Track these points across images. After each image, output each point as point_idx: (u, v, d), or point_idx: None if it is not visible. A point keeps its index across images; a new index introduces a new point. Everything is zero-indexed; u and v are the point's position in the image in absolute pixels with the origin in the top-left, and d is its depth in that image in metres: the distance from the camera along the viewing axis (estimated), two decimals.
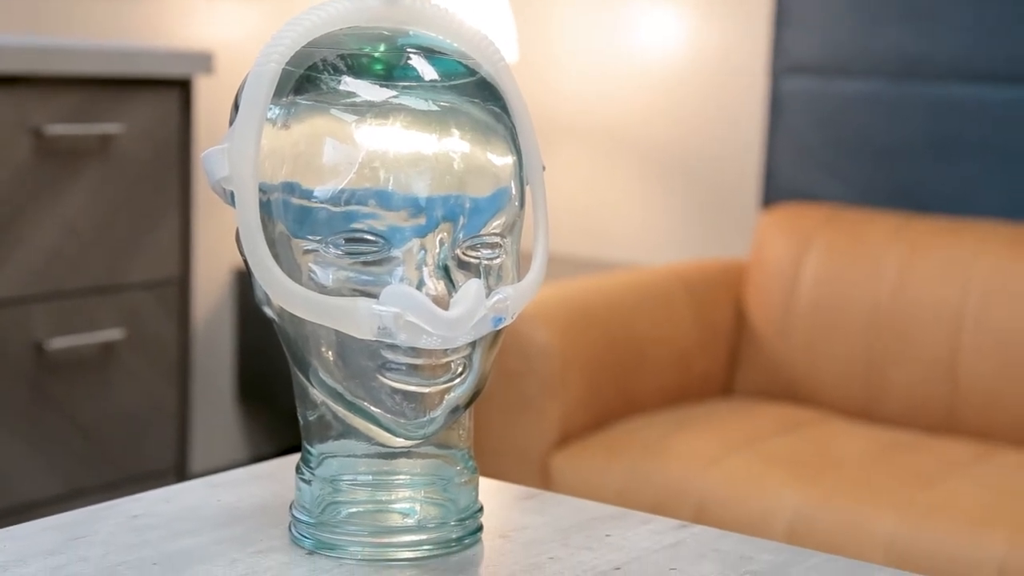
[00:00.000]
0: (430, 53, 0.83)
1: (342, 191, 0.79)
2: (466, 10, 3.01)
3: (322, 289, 0.80)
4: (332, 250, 0.79)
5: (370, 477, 0.86)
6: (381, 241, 0.79)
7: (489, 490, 0.97)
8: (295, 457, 0.91)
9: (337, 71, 0.81)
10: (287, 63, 0.82)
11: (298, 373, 0.85)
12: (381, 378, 0.80)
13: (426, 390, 0.80)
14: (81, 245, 2.42)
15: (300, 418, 0.87)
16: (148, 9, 3.02)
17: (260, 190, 0.82)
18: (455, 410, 0.83)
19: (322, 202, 0.79)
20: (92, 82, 2.40)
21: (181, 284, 2.58)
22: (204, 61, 2.55)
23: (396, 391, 0.80)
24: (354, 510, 0.86)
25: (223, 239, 3.08)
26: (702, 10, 3.12)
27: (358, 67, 0.81)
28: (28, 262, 2.34)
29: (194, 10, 3.11)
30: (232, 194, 0.81)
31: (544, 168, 0.87)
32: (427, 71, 0.81)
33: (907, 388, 2.61)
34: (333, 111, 0.80)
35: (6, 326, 2.33)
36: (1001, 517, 2.11)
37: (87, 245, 2.43)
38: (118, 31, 2.96)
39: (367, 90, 0.80)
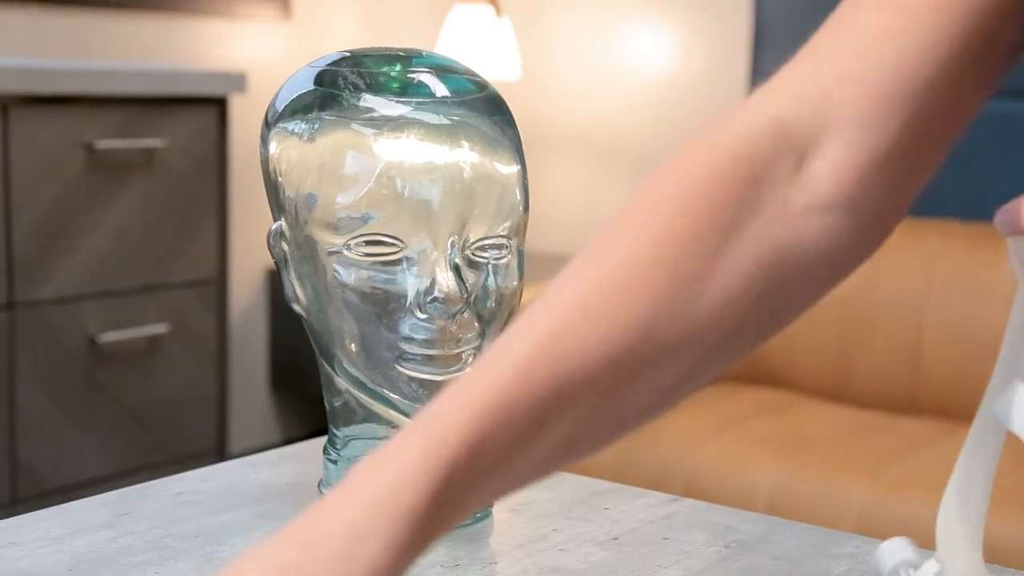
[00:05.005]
0: (442, 72, 0.82)
1: (362, 198, 0.79)
2: (473, 34, 3.01)
3: (344, 287, 0.80)
4: (353, 251, 0.79)
5: None
6: (398, 243, 0.79)
7: None
8: (323, 439, 0.91)
9: (357, 89, 0.81)
10: (313, 82, 0.82)
11: (324, 363, 0.85)
12: (399, 368, 0.80)
13: (440, 378, 0.80)
14: (129, 248, 2.42)
15: (326, 404, 0.87)
16: (187, 35, 3.02)
17: (288, 197, 0.81)
18: None
19: (344, 208, 0.79)
20: (137, 101, 2.40)
21: (219, 283, 2.58)
22: (238, 81, 2.55)
23: (413, 379, 0.80)
24: None
25: (257, 242, 3.08)
26: (688, 32, 3.11)
27: (376, 85, 0.81)
28: (81, 264, 2.34)
29: (228, 35, 3.11)
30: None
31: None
32: (439, 88, 0.81)
33: (874, 373, 2.60)
34: (354, 125, 0.80)
35: (63, 322, 2.33)
36: None
37: (134, 248, 2.43)
38: (161, 55, 2.96)
39: (384, 106, 0.80)
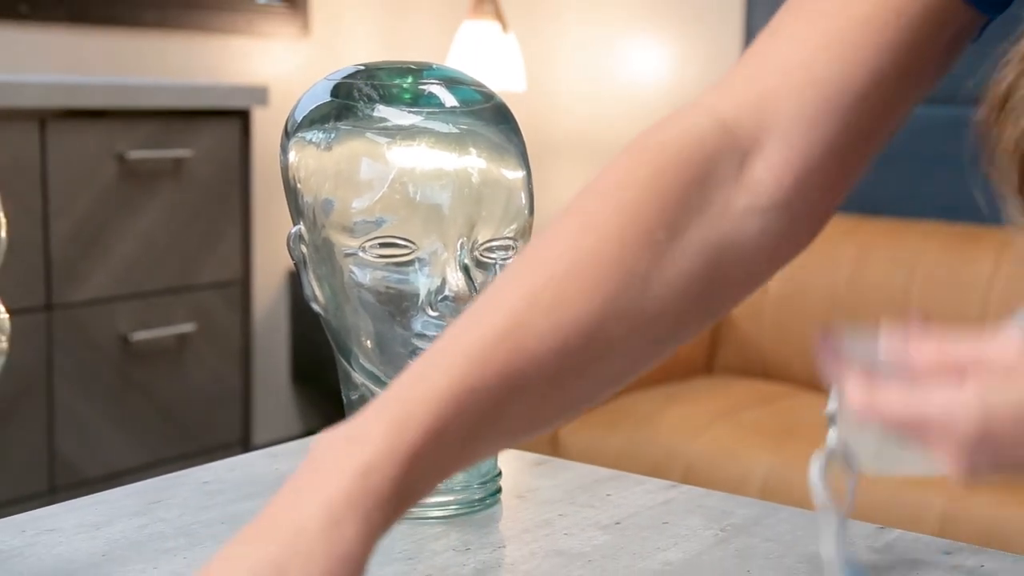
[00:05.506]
0: (451, 83, 0.82)
1: (376, 203, 0.78)
2: (481, 48, 3.01)
3: (360, 287, 0.80)
4: (368, 253, 0.79)
5: None
6: (410, 245, 0.79)
7: (506, 457, 0.96)
8: None
9: (371, 100, 0.80)
10: (330, 94, 0.82)
11: (342, 359, 0.85)
12: (412, 363, 0.80)
13: None
14: (158, 253, 2.42)
15: (344, 398, 0.87)
16: (212, 52, 3.02)
17: (307, 203, 0.81)
18: None
19: (359, 212, 0.79)
20: (166, 114, 2.40)
21: (243, 284, 2.58)
22: (260, 94, 2.55)
23: None
24: None
25: (278, 245, 3.08)
26: (682, 44, 3.11)
27: (389, 96, 0.80)
28: (114, 268, 2.35)
29: (251, 52, 3.11)
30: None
31: None
32: (448, 99, 0.81)
33: None
34: (368, 134, 0.79)
35: (96, 322, 2.33)
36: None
37: (163, 252, 2.43)
38: (188, 71, 2.96)
39: (397, 116, 0.79)
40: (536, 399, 0.54)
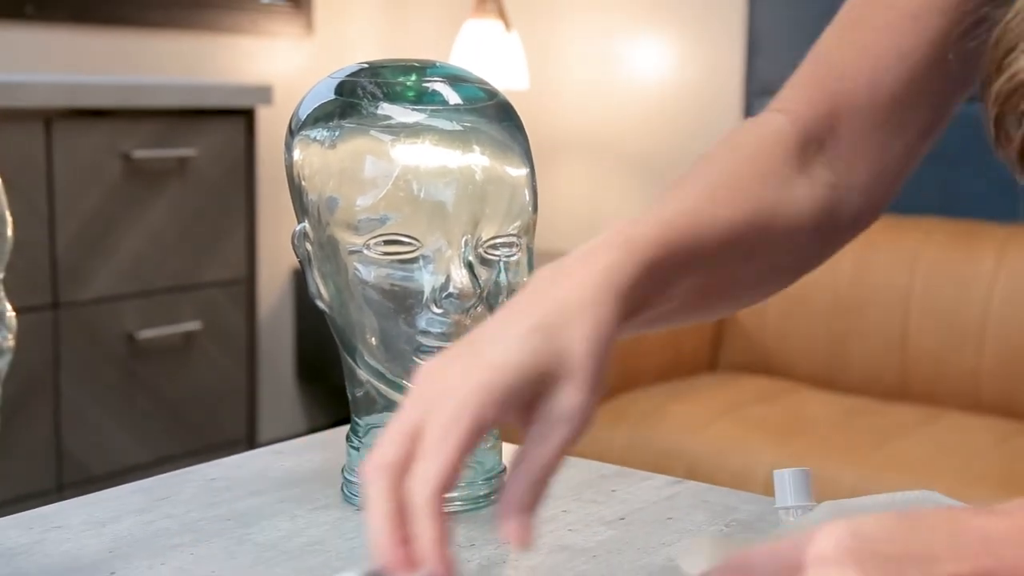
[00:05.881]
0: (454, 81, 0.82)
1: (381, 200, 0.78)
2: (484, 47, 3.01)
3: (364, 284, 0.80)
4: (372, 251, 0.79)
5: None
6: (414, 242, 0.79)
7: (511, 453, 0.96)
8: (346, 428, 0.91)
9: (375, 98, 0.80)
10: (334, 92, 0.82)
11: (347, 356, 0.85)
12: (417, 359, 0.80)
13: None
14: (164, 251, 2.42)
15: (349, 394, 0.87)
16: (217, 51, 3.02)
17: (311, 201, 0.81)
18: None
19: (364, 210, 0.79)
20: (171, 113, 2.40)
21: (248, 282, 2.58)
22: (264, 94, 2.55)
23: None
24: None
25: (283, 243, 3.09)
26: (686, 42, 3.10)
27: (393, 94, 0.80)
28: (120, 266, 2.35)
29: (255, 51, 3.11)
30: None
31: None
32: (452, 97, 0.81)
33: (864, 361, 2.59)
34: (372, 132, 0.79)
35: (103, 320, 2.33)
36: (945, 469, 2.10)
37: (169, 251, 2.43)
38: (192, 70, 2.96)
39: (401, 114, 0.79)
40: (707, 275, 0.65)
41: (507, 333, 0.55)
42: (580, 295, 0.56)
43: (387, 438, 0.53)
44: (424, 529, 0.50)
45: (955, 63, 0.70)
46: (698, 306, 0.67)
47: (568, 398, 0.53)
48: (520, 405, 0.54)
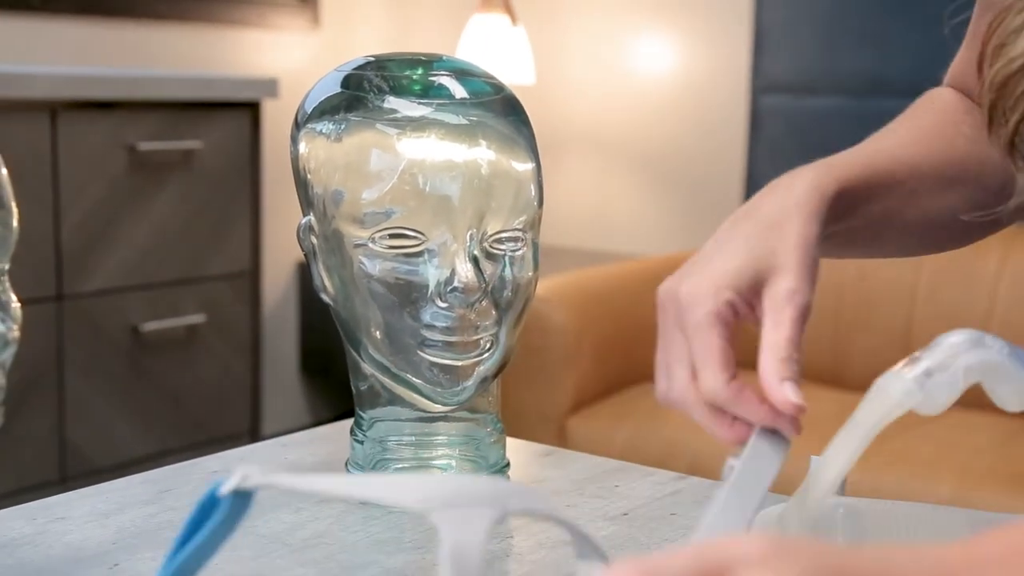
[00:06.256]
0: (461, 75, 0.82)
1: (386, 194, 0.78)
2: (490, 41, 3.00)
3: (369, 277, 0.79)
4: (378, 244, 0.79)
5: (413, 438, 0.85)
6: (420, 236, 0.78)
7: (514, 448, 0.96)
8: (349, 421, 0.91)
9: (381, 91, 0.80)
10: (340, 85, 0.81)
11: (351, 350, 0.84)
12: (421, 353, 0.80)
13: (459, 363, 0.80)
14: (168, 244, 2.42)
15: (353, 388, 0.87)
16: (223, 44, 3.02)
17: (317, 194, 0.81)
18: (484, 380, 0.82)
19: (369, 203, 0.79)
20: (176, 105, 2.40)
21: (252, 275, 2.58)
22: (270, 86, 2.54)
23: (434, 364, 0.80)
24: (400, 466, 0.85)
25: (287, 237, 3.09)
26: (692, 39, 3.10)
27: (399, 88, 0.80)
28: (124, 258, 2.35)
29: (261, 44, 3.11)
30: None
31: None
32: (458, 90, 0.81)
33: (869, 357, 2.59)
34: (378, 125, 0.79)
35: (107, 312, 2.33)
36: (947, 466, 2.10)
37: (173, 243, 2.43)
38: (198, 62, 2.96)
39: (407, 107, 0.79)
40: (898, 201, 0.73)
41: (728, 245, 0.65)
42: (786, 202, 0.65)
43: (658, 371, 0.64)
44: (745, 406, 0.62)
45: None
46: (877, 233, 0.75)
47: (783, 283, 0.62)
48: (749, 298, 0.63)
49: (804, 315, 0.63)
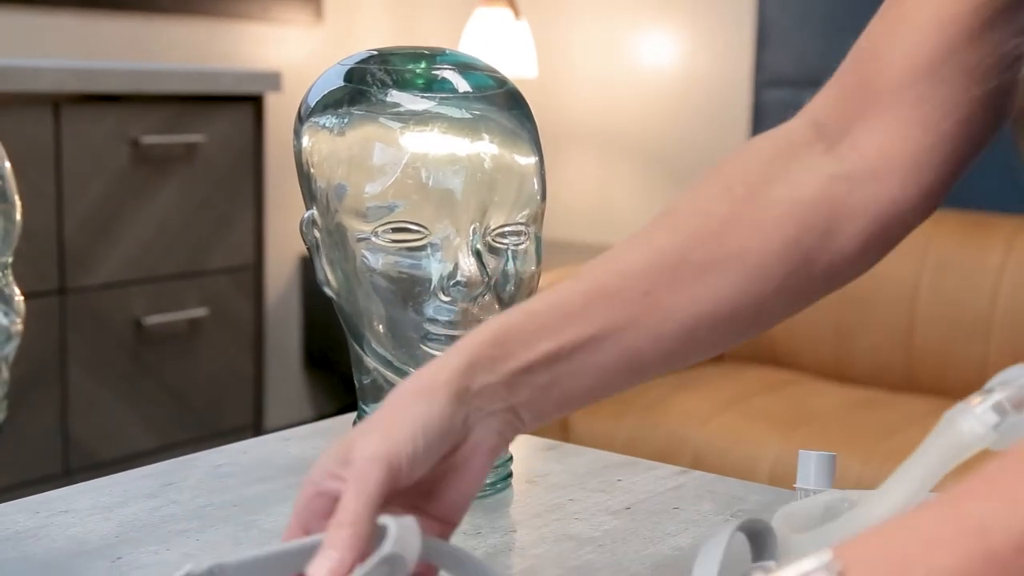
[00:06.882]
0: (464, 69, 0.82)
1: (389, 187, 0.78)
2: (493, 35, 3.00)
3: (372, 271, 0.79)
4: (381, 238, 0.79)
5: None
6: (423, 230, 0.78)
7: (517, 442, 0.96)
8: (352, 415, 0.91)
9: (384, 85, 0.80)
10: (343, 79, 0.81)
11: (354, 344, 0.84)
12: (424, 347, 0.80)
13: None
14: (171, 237, 2.42)
15: (356, 382, 0.87)
16: (226, 37, 3.02)
17: (320, 188, 0.81)
18: None
19: (372, 197, 0.79)
20: (180, 99, 2.40)
21: (255, 269, 2.59)
22: (273, 80, 2.54)
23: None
24: None
25: (290, 230, 3.09)
26: (695, 33, 3.10)
27: (402, 82, 0.80)
28: (127, 252, 2.35)
29: (264, 38, 3.10)
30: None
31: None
32: (461, 84, 0.81)
33: (871, 352, 2.59)
34: (381, 119, 0.79)
35: (110, 306, 2.34)
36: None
37: (176, 237, 2.43)
38: (201, 56, 2.96)
39: (410, 101, 0.79)
40: (630, 307, 0.63)
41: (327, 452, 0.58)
42: (391, 407, 0.58)
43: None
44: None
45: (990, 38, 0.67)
46: (642, 336, 0.64)
47: (342, 503, 0.54)
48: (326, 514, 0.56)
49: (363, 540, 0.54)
